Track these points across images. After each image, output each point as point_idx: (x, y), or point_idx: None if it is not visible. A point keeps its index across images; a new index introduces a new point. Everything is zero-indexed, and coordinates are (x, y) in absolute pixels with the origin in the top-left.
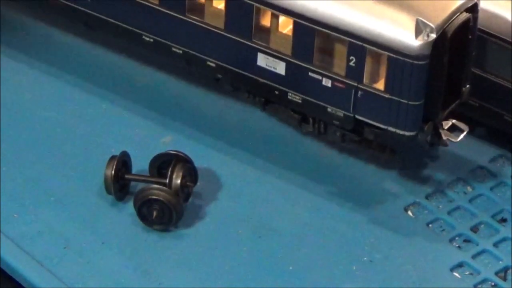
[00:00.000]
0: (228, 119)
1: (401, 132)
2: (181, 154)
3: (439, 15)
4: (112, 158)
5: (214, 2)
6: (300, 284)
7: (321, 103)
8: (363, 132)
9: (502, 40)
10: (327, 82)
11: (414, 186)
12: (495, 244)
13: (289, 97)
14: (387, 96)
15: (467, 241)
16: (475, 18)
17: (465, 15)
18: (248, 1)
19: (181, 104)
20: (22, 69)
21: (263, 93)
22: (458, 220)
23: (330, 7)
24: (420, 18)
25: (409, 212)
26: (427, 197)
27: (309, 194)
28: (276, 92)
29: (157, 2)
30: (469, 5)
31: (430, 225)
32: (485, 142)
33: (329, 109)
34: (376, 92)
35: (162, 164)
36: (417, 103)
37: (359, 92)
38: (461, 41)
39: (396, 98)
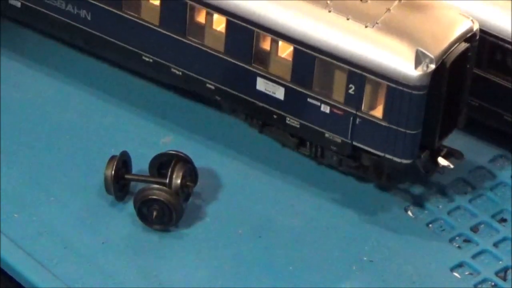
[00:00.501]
0: (229, 119)
1: (398, 160)
2: (181, 154)
3: (439, 45)
4: (112, 158)
5: (214, 25)
6: (300, 284)
7: (319, 129)
8: (360, 157)
9: (502, 40)
10: (325, 109)
11: (414, 186)
12: (495, 244)
13: (287, 121)
14: (385, 124)
15: (467, 241)
16: (473, 48)
17: (464, 45)
18: (249, 26)
19: (181, 104)
20: (22, 69)
21: (262, 117)
22: (458, 220)
23: (330, 35)
24: (420, 49)
25: (409, 212)
26: (427, 197)
27: (309, 194)
28: (275, 116)
29: (157, 23)
30: (468, 35)
31: (430, 225)
32: (485, 142)
33: (326, 135)
34: (374, 120)
35: (162, 164)
36: (414, 132)
37: (357, 119)
38: (459, 70)
39: (394, 127)
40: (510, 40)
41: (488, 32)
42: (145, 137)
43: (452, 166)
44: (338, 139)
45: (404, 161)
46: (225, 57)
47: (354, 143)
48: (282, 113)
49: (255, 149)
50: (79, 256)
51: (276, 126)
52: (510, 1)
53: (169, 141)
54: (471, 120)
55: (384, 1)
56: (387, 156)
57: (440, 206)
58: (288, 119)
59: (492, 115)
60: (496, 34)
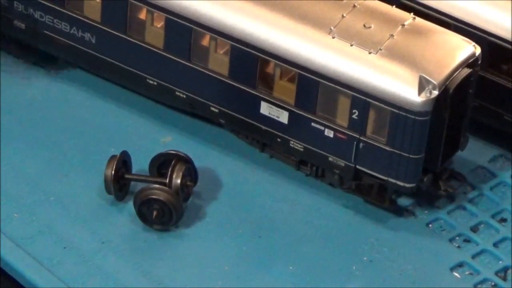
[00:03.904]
0: None
1: (401, 184)
2: (181, 154)
3: (442, 71)
4: (112, 158)
5: (218, 49)
6: (300, 284)
7: (323, 153)
8: (362, 178)
9: (502, 40)
10: (329, 133)
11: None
12: (495, 244)
13: (291, 145)
14: (388, 148)
15: (467, 241)
16: (475, 72)
17: (466, 71)
18: (253, 52)
19: None
20: (23, 69)
21: (266, 140)
22: (458, 220)
23: (334, 61)
24: (423, 75)
25: (409, 212)
26: (427, 197)
27: (309, 194)
28: (278, 140)
29: (161, 47)
30: (471, 60)
31: (430, 225)
32: (485, 142)
33: (330, 159)
34: (378, 145)
35: (162, 164)
36: (417, 156)
37: (361, 144)
38: (461, 94)
39: (397, 151)
40: (510, 40)
41: (488, 32)
42: (145, 137)
43: (453, 190)
44: (342, 163)
45: (407, 185)
46: (229, 81)
47: (358, 167)
48: (286, 137)
49: (255, 149)
50: (79, 256)
51: (280, 149)
52: (510, 1)
53: (169, 141)
54: (471, 120)
55: (387, 27)
56: (391, 180)
57: (440, 206)
58: (292, 142)
59: (492, 115)
60: (496, 34)
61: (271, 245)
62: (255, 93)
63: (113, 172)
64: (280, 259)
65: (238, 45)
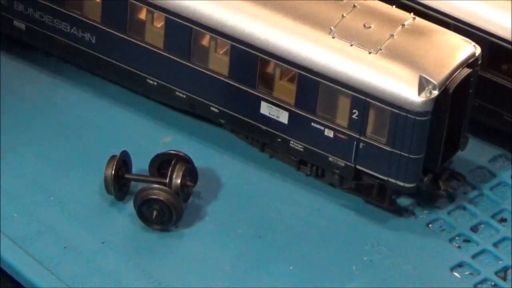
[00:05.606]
0: None
1: (401, 184)
2: (181, 154)
3: (442, 71)
4: (112, 158)
5: (218, 49)
6: (300, 284)
7: (323, 153)
8: (362, 178)
9: (502, 40)
10: (329, 133)
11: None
12: (495, 244)
13: (291, 145)
14: (388, 148)
15: (467, 241)
16: (475, 72)
17: (466, 71)
18: (253, 51)
19: None
20: (22, 69)
21: (266, 140)
22: (458, 220)
23: (334, 61)
24: (423, 75)
25: (409, 212)
26: (427, 198)
27: (309, 194)
28: (279, 140)
29: (161, 47)
30: (471, 60)
31: (430, 225)
32: (485, 142)
33: (330, 159)
34: (378, 145)
35: (162, 164)
36: (417, 156)
37: (361, 144)
38: (461, 94)
39: (397, 151)
40: (510, 40)
41: (488, 32)
42: (145, 137)
43: (453, 190)
44: (342, 162)
45: (407, 185)
46: (229, 81)
47: (358, 167)
48: (286, 137)
49: (255, 149)
50: (79, 256)
51: (280, 149)
52: (510, 1)
53: (169, 141)
54: (471, 120)
55: (387, 27)
56: (391, 180)
57: (440, 206)
58: (292, 142)
59: (492, 115)
60: (497, 34)
61: (271, 245)
62: (255, 93)
63: (113, 172)
64: (280, 259)
65: (238, 45)
